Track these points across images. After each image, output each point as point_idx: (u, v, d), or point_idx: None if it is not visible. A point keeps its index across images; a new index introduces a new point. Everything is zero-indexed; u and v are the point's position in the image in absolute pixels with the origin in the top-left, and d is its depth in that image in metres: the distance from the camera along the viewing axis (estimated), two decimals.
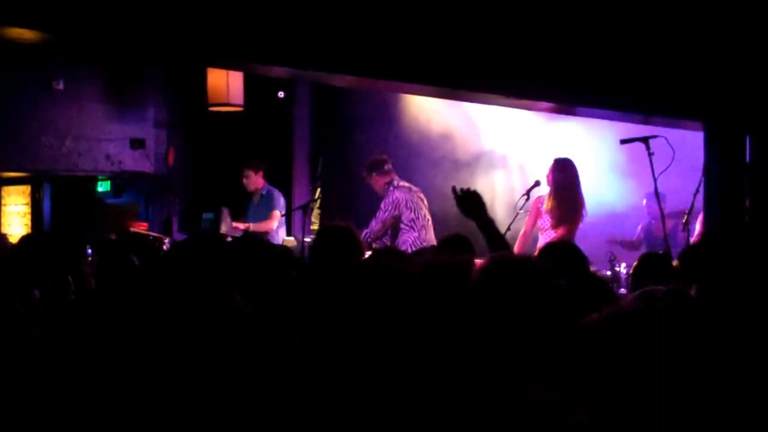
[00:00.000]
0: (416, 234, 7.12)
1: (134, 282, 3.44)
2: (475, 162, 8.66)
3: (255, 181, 8.29)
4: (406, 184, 7.33)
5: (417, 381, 2.36)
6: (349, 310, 2.45)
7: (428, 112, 8.46)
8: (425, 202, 7.35)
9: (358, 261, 4.08)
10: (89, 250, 5.58)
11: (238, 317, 2.63)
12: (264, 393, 2.43)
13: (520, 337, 2.46)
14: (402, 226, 7.16)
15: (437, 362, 2.40)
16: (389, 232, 7.29)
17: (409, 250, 6.90)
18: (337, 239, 4.16)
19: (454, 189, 4.05)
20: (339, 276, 2.54)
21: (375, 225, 7.17)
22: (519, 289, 2.57)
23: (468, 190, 4.05)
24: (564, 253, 3.95)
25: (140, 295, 2.99)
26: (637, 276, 4.32)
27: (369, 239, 7.09)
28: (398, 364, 2.38)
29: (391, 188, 7.23)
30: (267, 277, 3.17)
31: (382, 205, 7.18)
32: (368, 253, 6.82)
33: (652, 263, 4.32)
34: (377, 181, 7.33)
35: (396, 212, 7.12)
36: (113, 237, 7.34)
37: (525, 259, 2.83)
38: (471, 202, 4.02)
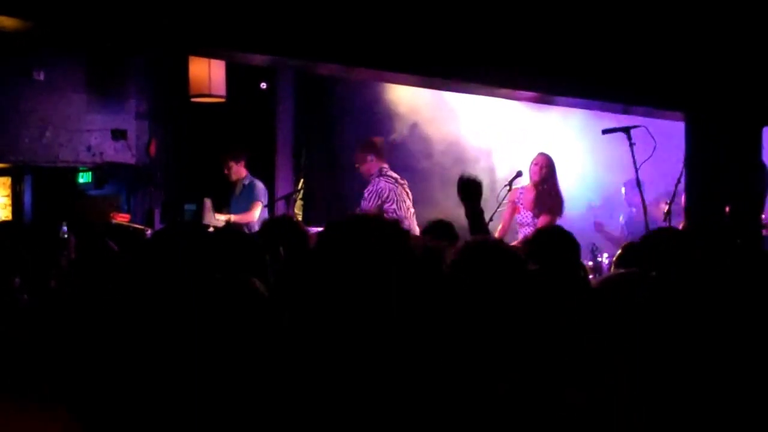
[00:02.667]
0: None
1: (113, 270, 3.42)
2: (458, 152, 8.66)
3: (237, 170, 8.28)
4: (394, 175, 7.31)
5: (394, 366, 2.36)
6: (322, 295, 2.46)
7: (412, 103, 8.46)
8: (410, 194, 7.35)
9: (309, 246, 4.13)
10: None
11: (215, 304, 2.61)
12: (250, 384, 2.43)
13: (496, 319, 2.48)
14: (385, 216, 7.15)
15: (414, 347, 2.41)
16: None
17: None
18: (279, 231, 4.20)
19: (461, 177, 4.44)
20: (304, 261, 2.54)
21: None
22: (494, 273, 2.59)
23: (472, 177, 4.43)
24: (555, 239, 3.98)
25: (120, 283, 2.98)
26: (619, 266, 4.35)
27: None
28: (375, 350, 2.38)
29: (378, 177, 7.20)
30: (242, 264, 3.18)
31: (365, 194, 7.14)
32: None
33: (633, 253, 4.35)
34: (368, 166, 7.27)
35: (379, 201, 7.10)
36: (93, 227, 7.33)
37: (500, 244, 2.85)
38: (470, 189, 4.39)
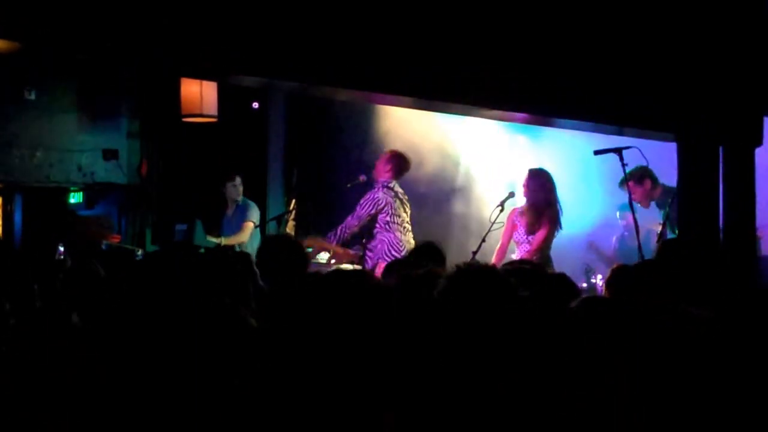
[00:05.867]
0: (392, 235, 7.13)
1: (100, 292, 3.40)
2: (450, 171, 8.66)
3: (240, 190, 8.26)
4: (397, 189, 7.32)
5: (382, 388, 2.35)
6: (313, 322, 2.45)
7: (404, 121, 8.45)
8: (408, 210, 7.36)
9: (305, 270, 4.15)
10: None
11: (210, 325, 2.59)
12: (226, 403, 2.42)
13: (484, 343, 2.47)
14: (377, 225, 7.16)
15: (404, 370, 2.40)
16: (365, 232, 7.27)
17: (386, 249, 6.95)
18: (279, 249, 4.21)
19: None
20: (294, 287, 2.55)
21: (351, 220, 7.17)
22: (483, 297, 2.59)
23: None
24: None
25: (109, 304, 2.96)
26: (610, 287, 4.36)
27: (345, 234, 7.11)
28: (364, 373, 2.37)
29: (378, 187, 7.22)
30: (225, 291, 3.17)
31: (361, 200, 7.18)
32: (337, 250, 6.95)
33: (624, 275, 4.37)
34: (382, 169, 7.34)
35: (373, 210, 7.12)
36: (85, 248, 7.29)
37: (489, 269, 2.85)
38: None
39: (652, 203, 7.07)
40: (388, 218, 7.15)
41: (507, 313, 2.59)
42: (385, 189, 7.21)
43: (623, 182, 6.72)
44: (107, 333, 2.87)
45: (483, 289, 2.65)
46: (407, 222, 7.30)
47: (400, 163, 7.37)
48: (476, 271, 2.73)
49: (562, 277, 3.78)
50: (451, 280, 2.69)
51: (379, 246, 6.97)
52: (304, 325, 2.56)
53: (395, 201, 7.22)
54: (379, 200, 7.14)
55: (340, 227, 7.15)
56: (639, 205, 6.76)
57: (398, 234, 7.14)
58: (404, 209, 7.31)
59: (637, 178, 6.87)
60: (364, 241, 7.08)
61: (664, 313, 2.60)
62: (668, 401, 2.41)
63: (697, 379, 2.41)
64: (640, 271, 3.97)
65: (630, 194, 6.30)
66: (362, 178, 7.41)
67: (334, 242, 7.05)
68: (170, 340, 2.57)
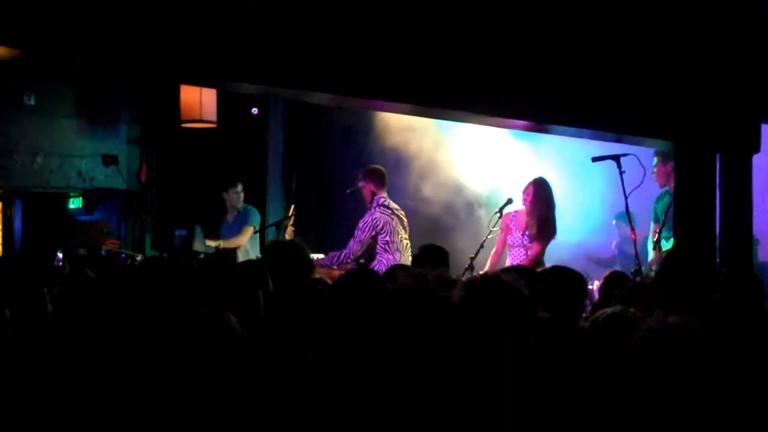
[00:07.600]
0: (391, 256, 7.11)
1: (93, 299, 3.40)
2: (450, 178, 8.67)
3: (242, 197, 8.27)
4: (391, 205, 7.31)
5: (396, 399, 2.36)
6: (327, 332, 2.45)
7: (403, 128, 8.46)
8: (405, 225, 7.35)
9: (310, 276, 4.17)
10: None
11: (202, 335, 2.60)
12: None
13: (499, 355, 2.48)
14: (377, 247, 7.16)
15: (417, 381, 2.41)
16: (366, 253, 7.27)
17: (383, 270, 6.90)
18: (285, 256, 4.23)
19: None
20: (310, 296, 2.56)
21: (353, 245, 7.16)
22: (502, 311, 2.58)
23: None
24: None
25: (102, 312, 2.97)
26: (602, 294, 4.40)
27: (349, 259, 7.08)
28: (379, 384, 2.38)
29: (374, 206, 7.21)
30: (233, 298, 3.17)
31: (360, 224, 7.16)
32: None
33: (616, 282, 4.40)
34: (367, 189, 7.31)
35: (373, 232, 7.11)
36: (83, 254, 7.29)
37: (509, 284, 2.83)
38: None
39: (653, 207, 7.06)
40: (387, 238, 7.15)
41: (525, 332, 2.59)
42: (381, 208, 7.20)
43: (657, 154, 6.69)
44: (102, 338, 2.88)
45: (503, 306, 2.63)
46: (406, 239, 7.29)
47: (376, 176, 7.35)
48: (499, 289, 2.70)
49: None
50: (470, 292, 2.67)
51: (377, 267, 6.92)
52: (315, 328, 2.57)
53: (393, 219, 7.21)
54: (377, 221, 7.14)
55: (344, 253, 7.13)
56: (657, 183, 6.74)
57: (396, 255, 7.14)
58: (402, 226, 7.31)
59: (665, 156, 6.75)
60: (362, 261, 7.07)
61: (646, 322, 2.61)
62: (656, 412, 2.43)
63: (679, 388, 2.43)
64: (640, 285, 4.01)
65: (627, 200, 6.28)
66: (361, 183, 7.41)
67: (336, 266, 7.03)
68: (155, 348, 2.58)
